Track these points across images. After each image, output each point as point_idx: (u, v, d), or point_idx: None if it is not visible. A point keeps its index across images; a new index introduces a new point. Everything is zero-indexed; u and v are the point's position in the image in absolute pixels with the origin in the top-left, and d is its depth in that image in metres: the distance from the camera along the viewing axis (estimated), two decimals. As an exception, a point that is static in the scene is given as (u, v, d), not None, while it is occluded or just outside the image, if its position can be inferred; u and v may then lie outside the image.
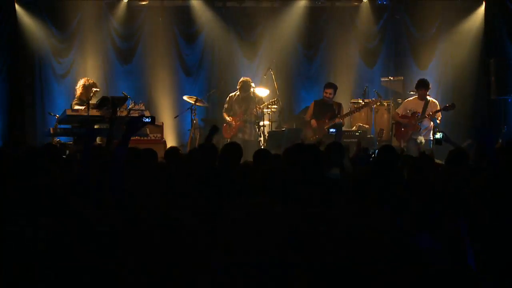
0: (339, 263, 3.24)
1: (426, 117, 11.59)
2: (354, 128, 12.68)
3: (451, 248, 3.93)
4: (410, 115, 11.78)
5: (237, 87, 12.41)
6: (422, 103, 11.78)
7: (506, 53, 13.92)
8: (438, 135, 9.66)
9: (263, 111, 12.25)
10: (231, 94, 12.51)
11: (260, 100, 12.37)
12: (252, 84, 12.38)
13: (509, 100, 13.62)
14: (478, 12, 14.28)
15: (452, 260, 3.80)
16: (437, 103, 11.91)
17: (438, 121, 11.70)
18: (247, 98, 12.31)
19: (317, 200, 4.32)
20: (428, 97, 11.87)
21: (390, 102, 13.19)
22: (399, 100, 13.54)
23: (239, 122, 12.15)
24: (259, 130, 12.17)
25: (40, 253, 3.31)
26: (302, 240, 3.41)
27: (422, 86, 11.83)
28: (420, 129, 11.58)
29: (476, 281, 3.58)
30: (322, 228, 3.46)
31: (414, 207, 4.07)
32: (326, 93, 12.11)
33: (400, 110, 12.06)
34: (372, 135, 13.09)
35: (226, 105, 12.45)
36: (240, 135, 12.19)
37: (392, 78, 13.73)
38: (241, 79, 12.47)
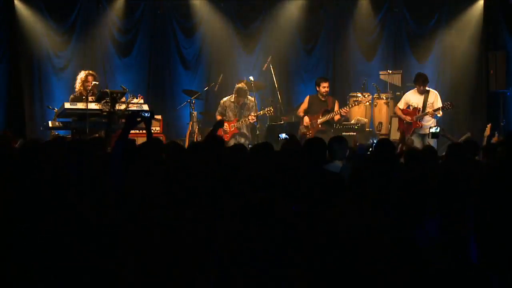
0: (339, 263, 3.25)
1: (427, 114, 11.49)
2: (352, 121, 12.66)
3: (452, 243, 3.93)
4: (411, 110, 11.71)
5: (234, 94, 12.26)
6: (422, 96, 11.69)
7: (505, 46, 13.91)
8: (434, 129, 9.66)
9: (257, 119, 11.99)
10: (224, 99, 12.37)
11: (254, 107, 12.15)
12: (244, 86, 12.26)
13: (508, 93, 13.62)
14: (477, 5, 14.25)
15: (453, 255, 3.80)
16: (437, 93, 11.81)
17: (439, 116, 11.67)
18: (242, 105, 12.15)
19: (317, 194, 4.31)
20: (427, 89, 11.78)
21: (388, 95, 13.16)
22: (398, 93, 13.51)
23: (233, 129, 12.03)
24: (258, 130, 11.97)
25: (40, 253, 3.31)
26: (302, 239, 3.41)
27: (419, 80, 11.74)
28: (422, 126, 11.47)
29: (478, 277, 3.59)
30: (322, 227, 3.46)
31: (411, 202, 4.08)
32: (324, 87, 11.92)
33: (401, 105, 11.96)
34: (370, 129, 13.09)
35: (219, 109, 12.32)
36: (233, 140, 12.02)
37: (390, 71, 13.69)
38: (237, 85, 12.31)
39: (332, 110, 11.86)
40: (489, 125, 11.44)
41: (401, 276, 3.21)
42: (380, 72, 13.96)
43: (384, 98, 13.12)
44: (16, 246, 3.40)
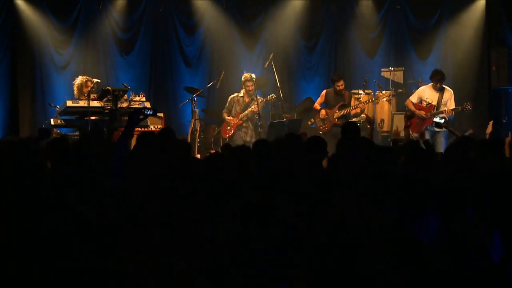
0: (339, 263, 3.25)
1: (444, 112, 11.19)
2: (354, 119, 12.63)
3: (453, 243, 3.93)
4: (425, 106, 11.46)
5: (241, 86, 12.20)
6: (437, 93, 11.43)
7: (507, 43, 13.90)
8: (439, 119, 9.54)
9: (260, 108, 11.89)
10: (232, 96, 12.31)
11: (260, 99, 12.06)
12: (253, 75, 12.23)
13: (510, 90, 13.60)
14: (479, 1, 14.24)
15: (454, 255, 3.79)
16: (452, 92, 11.55)
17: (452, 115, 11.43)
18: (250, 100, 12.04)
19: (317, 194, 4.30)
20: (443, 86, 11.51)
21: (390, 93, 13.11)
22: (400, 90, 13.51)
23: (237, 121, 11.99)
24: (260, 128, 11.90)
25: (40, 253, 3.31)
26: (302, 239, 3.41)
27: (436, 78, 11.43)
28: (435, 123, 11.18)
29: (479, 277, 3.58)
30: (322, 227, 3.46)
31: (411, 196, 4.07)
32: (339, 86, 11.81)
33: (414, 99, 11.64)
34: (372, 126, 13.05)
35: (227, 105, 12.26)
36: (239, 133, 11.99)
37: (392, 68, 13.67)
38: (243, 76, 12.26)
39: (349, 105, 11.80)
40: (491, 122, 11.37)
41: (401, 276, 3.20)
42: (382, 69, 13.95)
43: (386, 95, 13.07)
44: (16, 246, 3.40)
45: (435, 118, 9.99)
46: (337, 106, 11.72)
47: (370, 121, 8.70)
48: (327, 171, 5.56)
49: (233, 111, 12.09)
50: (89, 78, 11.10)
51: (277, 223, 3.27)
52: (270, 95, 12.10)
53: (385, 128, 12.90)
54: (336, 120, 11.63)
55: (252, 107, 11.86)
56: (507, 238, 4.17)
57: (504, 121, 13.25)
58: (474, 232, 3.90)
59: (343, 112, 11.66)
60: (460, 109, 11.24)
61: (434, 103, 11.35)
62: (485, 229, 4.07)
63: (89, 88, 10.86)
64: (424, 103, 11.46)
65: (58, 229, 3.42)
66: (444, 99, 11.37)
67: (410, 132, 9.16)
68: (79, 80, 11.07)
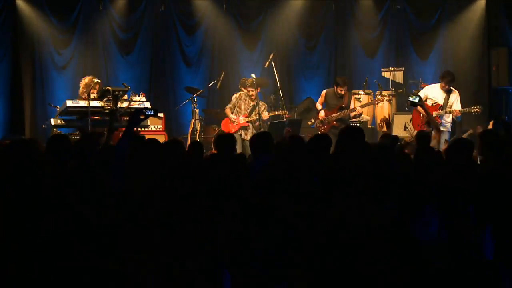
0: (339, 263, 3.25)
1: (452, 112, 11.05)
2: (354, 119, 12.61)
3: (453, 242, 3.93)
4: (431, 105, 11.31)
5: (240, 86, 12.17)
6: (444, 94, 11.29)
7: (507, 43, 13.90)
8: (413, 99, 9.36)
9: (263, 114, 11.83)
10: (236, 95, 12.25)
11: (265, 108, 11.99)
12: (253, 75, 12.20)
13: (510, 90, 13.59)
14: (479, 1, 14.24)
15: (454, 255, 3.79)
16: (458, 94, 11.38)
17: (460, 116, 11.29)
18: (256, 103, 12.00)
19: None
20: (451, 88, 11.38)
21: (390, 93, 13.09)
22: (400, 90, 13.49)
23: (243, 122, 11.92)
24: (260, 128, 11.83)
25: (40, 253, 3.31)
26: (302, 239, 3.41)
27: (446, 79, 11.26)
28: (441, 123, 11.03)
29: (478, 276, 3.58)
30: (322, 227, 3.46)
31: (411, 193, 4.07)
32: (342, 90, 11.71)
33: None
34: (372, 126, 13.06)
35: (233, 100, 12.14)
36: (241, 132, 11.90)
37: (392, 68, 13.66)
38: (241, 80, 12.24)
39: (348, 107, 11.72)
40: (491, 122, 11.33)
41: (401, 276, 3.20)
42: (382, 69, 13.93)
43: (386, 96, 13.05)
44: (16, 246, 3.40)
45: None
46: (336, 108, 11.68)
47: (387, 121, 8.55)
48: (327, 170, 5.54)
49: (238, 109, 12.01)
50: (98, 81, 11.05)
51: (277, 223, 3.27)
52: (283, 111, 11.99)
53: (385, 128, 12.86)
54: (334, 122, 11.61)
55: (266, 113, 11.79)
56: (502, 236, 4.18)
57: (505, 120, 13.22)
58: (474, 232, 3.91)
59: (341, 114, 11.62)
60: (467, 111, 11.12)
61: (440, 102, 11.26)
62: (484, 228, 4.07)
63: (95, 91, 10.82)
64: (429, 102, 11.37)
65: (58, 229, 3.42)
66: (450, 100, 11.23)
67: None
68: (88, 79, 11.02)
